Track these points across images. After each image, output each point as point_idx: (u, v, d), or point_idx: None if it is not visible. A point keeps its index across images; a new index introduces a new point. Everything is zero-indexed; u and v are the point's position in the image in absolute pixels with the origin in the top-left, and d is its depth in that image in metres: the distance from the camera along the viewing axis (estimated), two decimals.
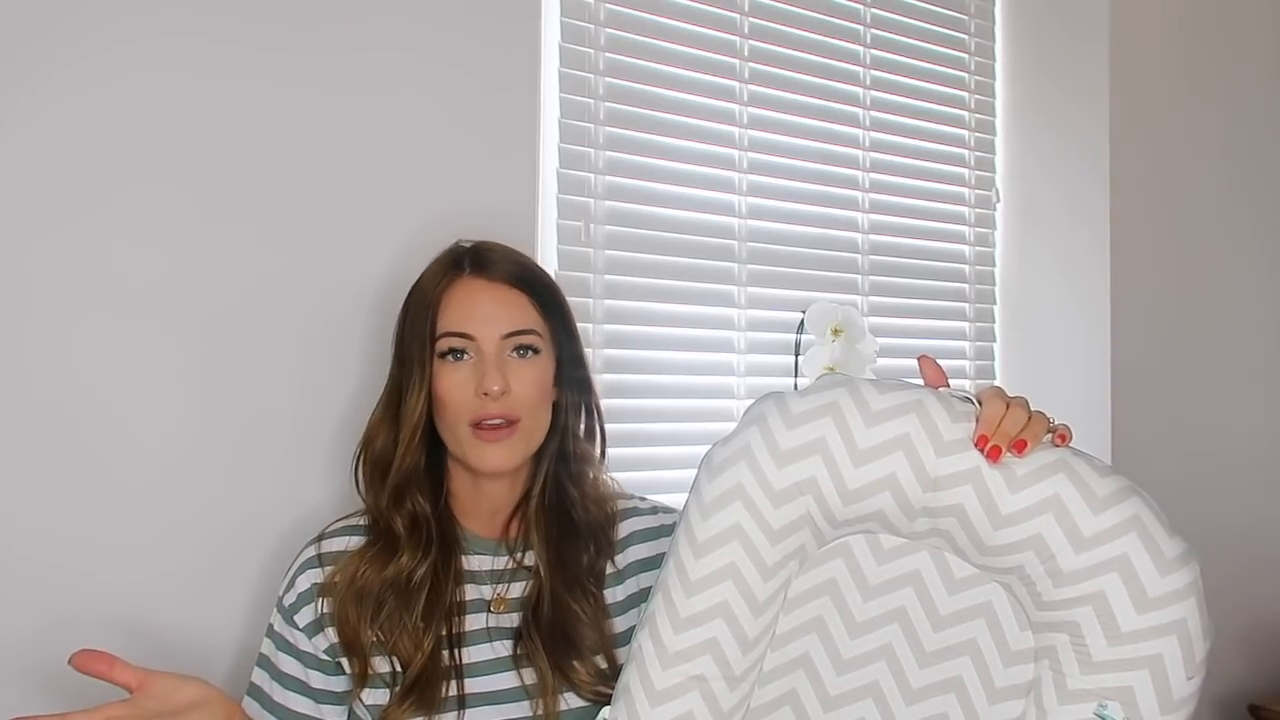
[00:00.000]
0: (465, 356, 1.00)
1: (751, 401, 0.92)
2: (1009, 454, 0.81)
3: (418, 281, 1.06)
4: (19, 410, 1.04)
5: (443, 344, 1.00)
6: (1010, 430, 0.81)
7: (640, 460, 1.47)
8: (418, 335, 1.01)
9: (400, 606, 0.97)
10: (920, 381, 0.89)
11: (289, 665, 0.98)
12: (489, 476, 1.03)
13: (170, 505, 1.12)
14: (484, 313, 1.01)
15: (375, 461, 1.03)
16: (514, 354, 1.01)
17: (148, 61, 1.10)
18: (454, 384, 0.99)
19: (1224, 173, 2.05)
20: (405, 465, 1.01)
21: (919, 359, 0.92)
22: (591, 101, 1.46)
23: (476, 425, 0.99)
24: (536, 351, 1.02)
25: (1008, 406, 0.83)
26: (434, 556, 1.00)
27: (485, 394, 0.98)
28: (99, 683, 1.06)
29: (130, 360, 1.10)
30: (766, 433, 0.86)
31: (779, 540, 0.86)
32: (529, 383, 1.01)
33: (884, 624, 0.88)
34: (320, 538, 1.02)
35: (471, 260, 1.04)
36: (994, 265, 1.95)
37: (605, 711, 0.89)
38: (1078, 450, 0.84)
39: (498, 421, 0.99)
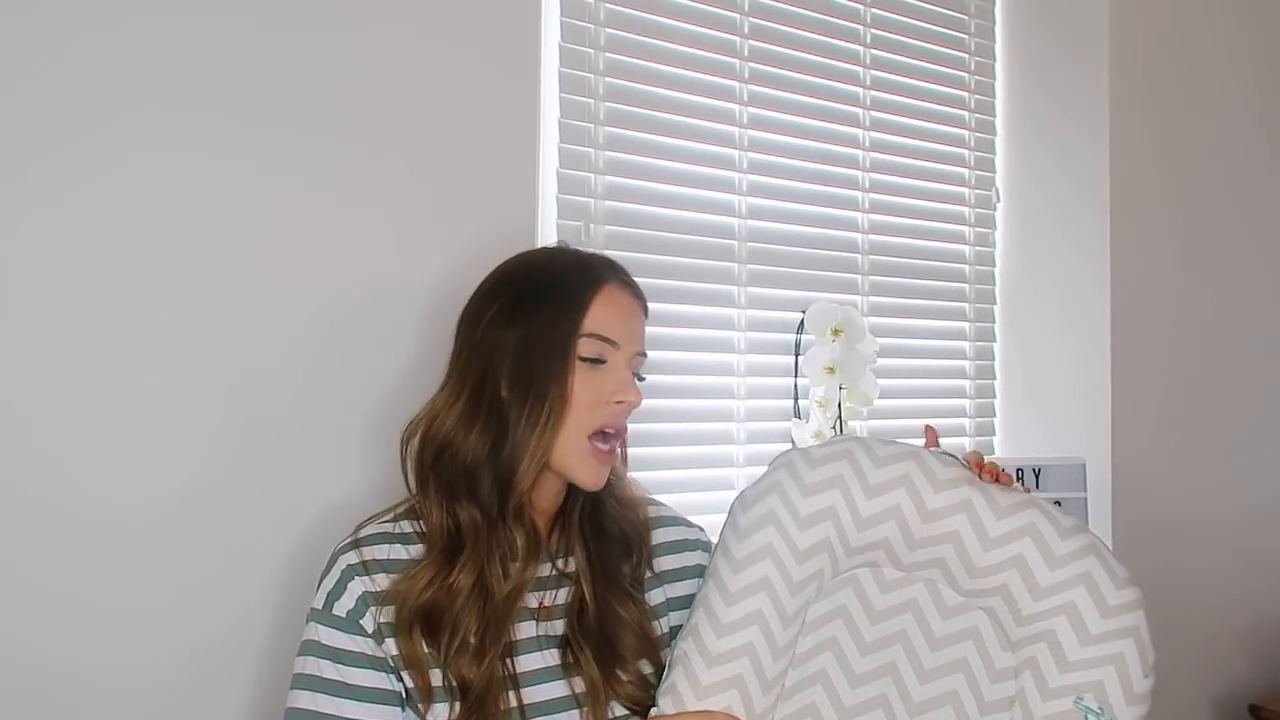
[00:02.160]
0: (599, 365, 0.99)
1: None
2: (993, 486, 1.02)
3: (544, 278, 1.02)
4: (40, 405, 1.05)
5: (586, 344, 0.98)
6: (992, 470, 1.04)
7: (640, 460, 1.46)
8: (557, 332, 0.97)
9: (482, 617, 0.94)
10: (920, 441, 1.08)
11: (361, 676, 0.92)
12: (562, 488, 1.03)
13: (193, 503, 1.12)
14: (628, 324, 1.01)
15: (463, 464, 0.97)
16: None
17: (156, 72, 1.10)
18: (584, 387, 0.97)
19: (1223, 171, 2.05)
20: (533, 471, 0.97)
21: (925, 428, 1.12)
22: (591, 101, 1.46)
23: (594, 436, 0.98)
24: (642, 374, 1.05)
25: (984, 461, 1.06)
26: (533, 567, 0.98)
27: (621, 403, 0.98)
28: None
29: (152, 358, 1.10)
30: (793, 472, 1.02)
31: (804, 560, 0.99)
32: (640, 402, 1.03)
33: (889, 644, 1.00)
34: (357, 544, 0.97)
35: (611, 268, 1.04)
36: (994, 265, 1.95)
37: (652, 711, 0.96)
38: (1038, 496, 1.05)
39: (613, 433, 1.00)
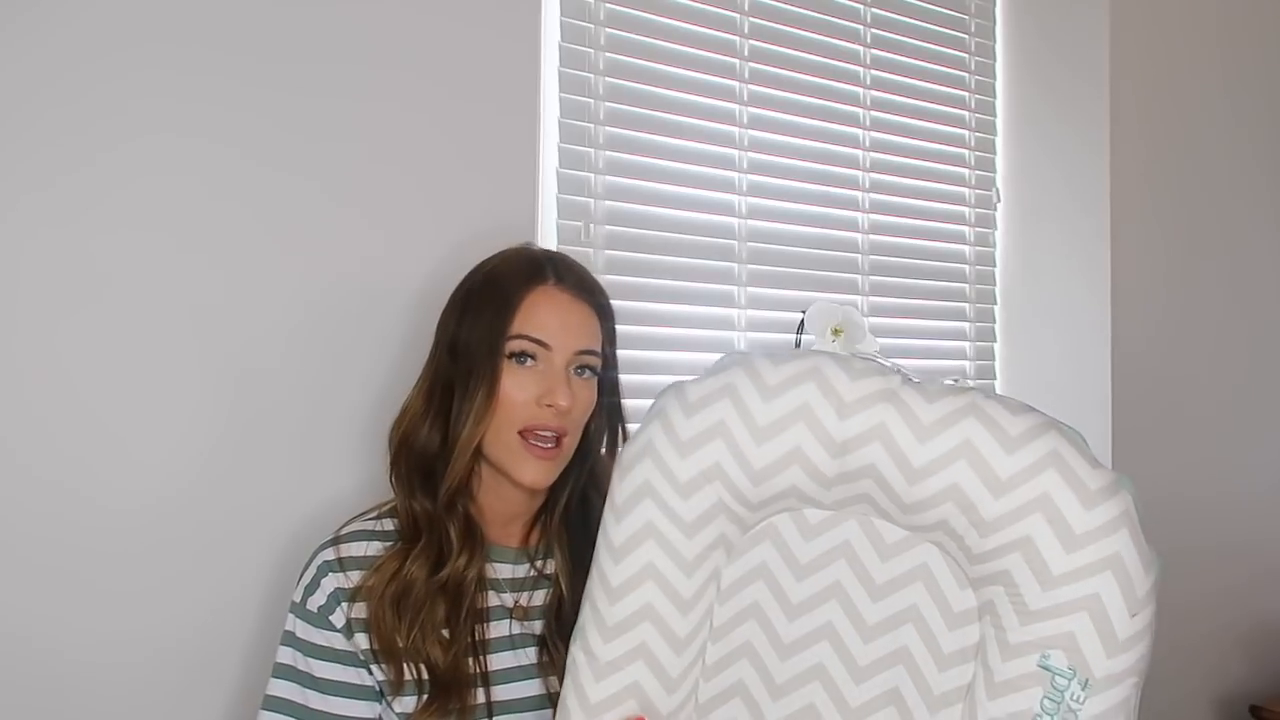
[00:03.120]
0: (530, 362, 0.98)
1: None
2: (918, 393, 0.80)
3: (489, 279, 1.02)
4: (38, 400, 1.05)
5: (514, 345, 0.98)
6: None
7: None
8: (489, 332, 0.98)
9: (445, 607, 0.95)
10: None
11: (328, 670, 0.94)
12: (520, 488, 1.01)
13: (184, 495, 1.12)
14: (564, 325, 0.99)
15: (420, 456, 1.00)
16: (574, 372, 1.00)
17: (155, 67, 1.10)
18: (514, 386, 0.97)
19: (1226, 174, 2.05)
20: (462, 465, 0.98)
21: None
22: (591, 101, 1.46)
23: (526, 433, 0.97)
24: (594, 372, 1.02)
25: None
26: (480, 560, 0.98)
27: (550, 406, 0.97)
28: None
29: (147, 353, 1.10)
30: (667, 425, 0.83)
31: (695, 532, 0.83)
32: (583, 402, 1.01)
33: (821, 602, 0.83)
34: (336, 541, 0.99)
35: (555, 270, 1.02)
36: (994, 265, 1.95)
37: None
38: (990, 393, 0.82)
39: (548, 434, 0.98)
